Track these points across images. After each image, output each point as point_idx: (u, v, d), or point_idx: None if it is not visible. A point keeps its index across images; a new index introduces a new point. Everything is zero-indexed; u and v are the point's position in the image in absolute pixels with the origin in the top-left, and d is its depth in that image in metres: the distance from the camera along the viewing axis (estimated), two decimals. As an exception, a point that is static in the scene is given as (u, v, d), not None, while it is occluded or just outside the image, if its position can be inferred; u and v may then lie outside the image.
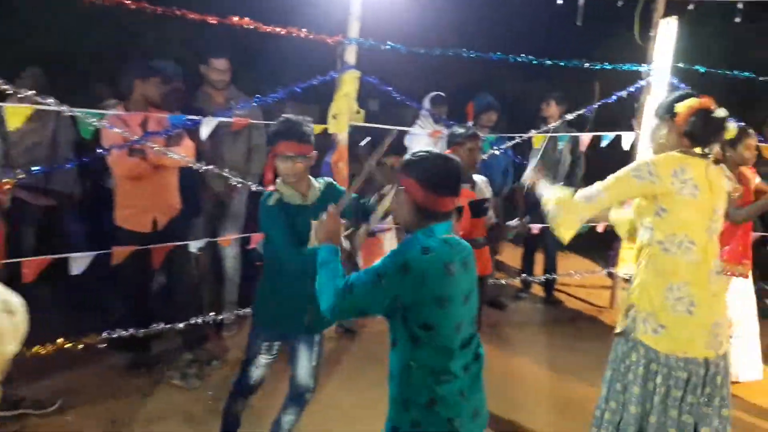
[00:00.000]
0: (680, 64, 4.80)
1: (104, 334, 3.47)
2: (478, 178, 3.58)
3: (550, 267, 5.56)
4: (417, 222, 1.85)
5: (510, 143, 4.79)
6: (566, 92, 5.44)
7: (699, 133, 2.40)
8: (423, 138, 4.93)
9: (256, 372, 2.72)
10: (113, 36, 5.87)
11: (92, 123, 3.21)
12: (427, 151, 1.90)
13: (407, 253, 1.78)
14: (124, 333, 3.52)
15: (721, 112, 2.41)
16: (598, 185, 2.47)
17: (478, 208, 3.40)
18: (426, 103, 5.04)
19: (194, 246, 3.77)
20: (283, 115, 2.56)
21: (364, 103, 5.90)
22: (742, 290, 3.97)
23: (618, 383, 2.48)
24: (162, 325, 3.67)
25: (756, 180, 4.02)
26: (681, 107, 2.42)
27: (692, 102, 2.42)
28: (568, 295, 5.76)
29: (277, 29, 3.58)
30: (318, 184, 2.65)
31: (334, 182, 2.75)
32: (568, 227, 2.49)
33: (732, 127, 2.48)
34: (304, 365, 2.65)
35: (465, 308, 1.85)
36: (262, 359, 2.70)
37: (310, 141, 2.54)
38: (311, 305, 2.33)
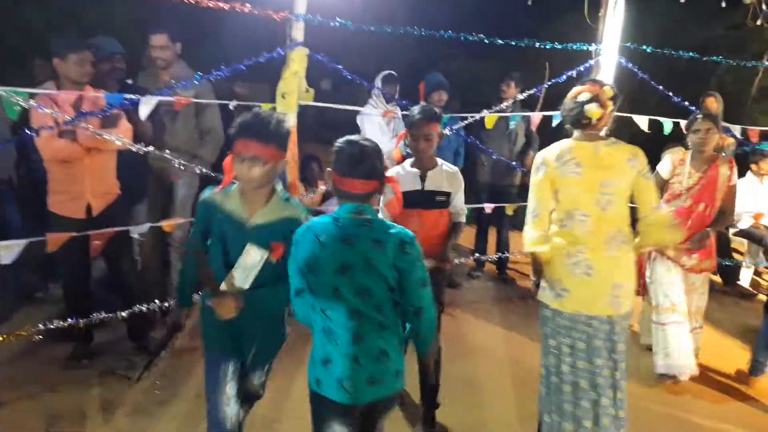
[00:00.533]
0: (628, 44, 4.83)
1: (40, 326, 3.30)
2: (448, 167, 3.13)
3: (503, 246, 5.61)
4: (338, 201, 2.03)
5: (462, 123, 4.75)
6: (519, 71, 5.46)
7: (567, 118, 2.71)
8: (375, 118, 4.85)
9: (228, 410, 2.27)
10: (57, 13, 5.55)
11: (18, 102, 3.00)
12: (347, 137, 2.03)
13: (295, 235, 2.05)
14: (62, 324, 3.35)
15: (582, 97, 2.65)
16: (530, 200, 2.77)
17: (420, 198, 3.01)
18: (377, 82, 4.94)
19: (135, 232, 3.61)
20: (255, 110, 2.16)
21: (317, 82, 5.78)
22: (705, 283, 3.90)
23: (550, 339, 2.78)
24: (103, 314, 3.50)
25: (733, 178, 3.70)
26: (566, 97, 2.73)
27: (571, 91, 2.72)
28: (520, 273, 5.83)
29: (220, 4, 3.41)
30: (284, 207, 2.21)
31: (302, 217, 2.19)
32: (536, 242, 2.72)
33: (593, 110, 2.62)
34: (255, 379, 2.46)
35: (342, 279, 1.95)
36: (229, 389, 2.28)
37: (276, 143, 2.11)
38: (256, 332, 2.32)
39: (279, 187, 2.23)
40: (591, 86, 2.70)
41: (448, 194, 3.08)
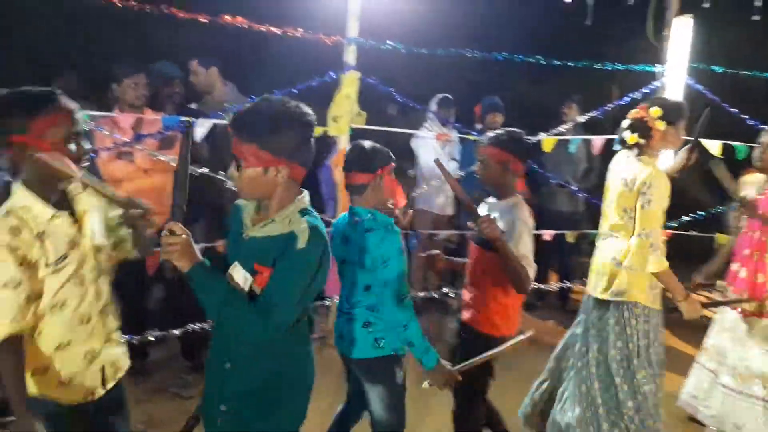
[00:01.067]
0: (696, 64, 4.62)
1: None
2: (513, 204, 2.61)
3: (566, 275, 5.40)
4: None
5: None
6: (581, 94, 5.33)
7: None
8: (430, 141, 4.83)
9: None
10: (136, 40, 5.83)
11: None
12: (356, 141, 2.44)
13: None
14: (119, 340, 3.43)
15: (624, 123, 2.91)
16: None
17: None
18: (432, 105, 4.93)
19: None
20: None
21: (384, 107, 5.84)
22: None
23: None
24: (157, 332, 3.58)
25: None
26: None
27: None
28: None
29: (272, 28, 3.51)
30: (291, 222, 1.73)
31: (303, 233, 1.70)
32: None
33: (627, 136, 2.86)
34: None
35: (342, 268, 2.48)
36: None
37: (261, 143, 1.66)
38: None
39: (304, 199, 1.80)
40: (639, 110, 2.85)
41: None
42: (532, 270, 2.49)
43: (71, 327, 1.81)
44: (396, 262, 2.25)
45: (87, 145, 1.84)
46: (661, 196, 2.74)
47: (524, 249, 2.49)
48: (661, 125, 2.79)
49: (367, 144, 2.38)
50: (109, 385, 1.95)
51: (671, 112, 2.81)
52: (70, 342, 1.82)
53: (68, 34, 5.69)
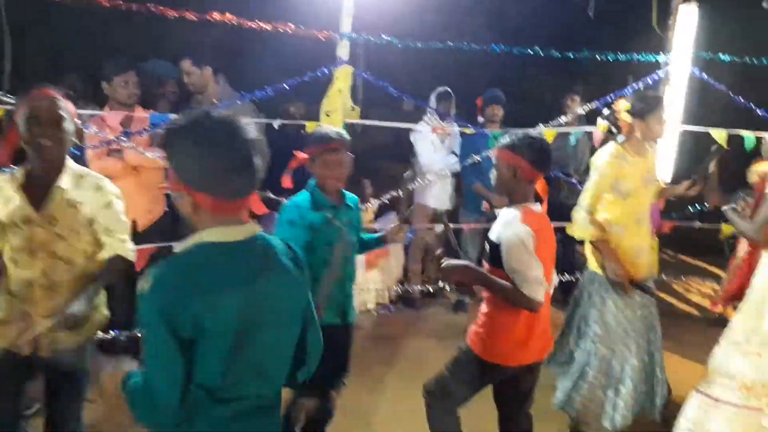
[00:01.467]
0: (702, 53, 4.51)
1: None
2: (513, 211, 2.43)
3: (567, 268, 5.31)
4: None
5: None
6: (585, 85, 5.23)
7: None
8: (428, 135, 4.77)
9: None
10: (137, 39, 5.83)
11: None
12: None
13: None
14: (106, 336, 3.43)
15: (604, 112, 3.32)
16: None
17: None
18: (432, 99, 4.87)
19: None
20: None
21: (398, 103, 5.77)
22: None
23: None
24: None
25: None
26: None
27: None
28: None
29: (262, 24, 3.46)
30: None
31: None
32: None
33: (600, 123, 3.28)
34: None
35: None
36: None
37: (169, 161, 1.41)
38: None
39: (213, 234, 1.44)
40: (617, 101, 3.09)
41: (496, 246, 2.38)
42: (528, 285, 2.28)
43: (18, 284, 2.18)
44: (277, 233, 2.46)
45: (45, 141, 2.09)
46: (601, 176, 3.02)
47: (516, 264, 2.31)
48: (627, 118, 3.03)
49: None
50: (46, 354, 2.21)
51: (639, 107, 3.02)
52: (17, 296, 2.18)
53: (72, 34, 5.69)
